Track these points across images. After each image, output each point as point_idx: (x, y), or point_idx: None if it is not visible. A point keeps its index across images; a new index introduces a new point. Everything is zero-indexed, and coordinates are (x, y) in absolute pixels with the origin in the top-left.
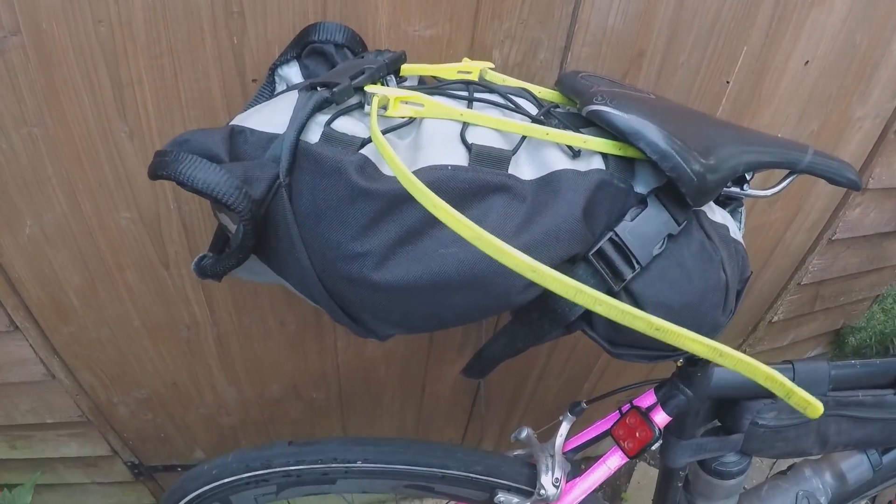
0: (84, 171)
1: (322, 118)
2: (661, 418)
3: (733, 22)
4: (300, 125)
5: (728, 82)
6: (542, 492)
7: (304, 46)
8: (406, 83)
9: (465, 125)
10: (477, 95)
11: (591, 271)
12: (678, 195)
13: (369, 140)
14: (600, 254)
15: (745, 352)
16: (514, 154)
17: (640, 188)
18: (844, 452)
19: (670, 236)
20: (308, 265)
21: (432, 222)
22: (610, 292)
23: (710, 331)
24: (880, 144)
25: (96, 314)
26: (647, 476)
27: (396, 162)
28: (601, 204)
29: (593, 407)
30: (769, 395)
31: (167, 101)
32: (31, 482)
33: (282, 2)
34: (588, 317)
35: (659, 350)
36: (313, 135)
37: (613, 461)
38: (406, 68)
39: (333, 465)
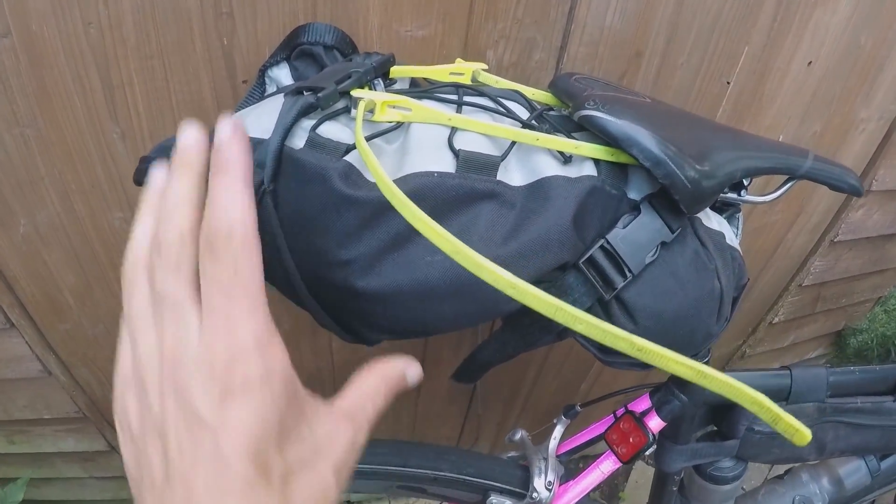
0: (77, 171)
1: (308, 123)
2: (655, 423)
3: (734, 21)
4: (284, 131)
5: (729, 83)
6: (535, 495)
7: (294, 48)
8: (396, 86)
9: (454, 130)
10: (467, 99)
11: (582, 279)
12: (673, 202)
13: (354, 145)
14: (591, 262)
15: (745, 353)
16: (502, 160)
17: (634, 194)
18: (842, 458)
19: (664, 244)
20: (294, 271)
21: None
22: (601, 301)
23: (704, 340)
24: (884, 146)
25: (91, 312)
26: (644, 475)
27: (378, 171)
28: (592, 211)
29: (588, 408)
30: None
31: (158, 102)
32: (24, 480)
33: (271, 3)
34: None
35: None
36: (298, 140)
37: (607, 466)
38: (397, 70)
39: None
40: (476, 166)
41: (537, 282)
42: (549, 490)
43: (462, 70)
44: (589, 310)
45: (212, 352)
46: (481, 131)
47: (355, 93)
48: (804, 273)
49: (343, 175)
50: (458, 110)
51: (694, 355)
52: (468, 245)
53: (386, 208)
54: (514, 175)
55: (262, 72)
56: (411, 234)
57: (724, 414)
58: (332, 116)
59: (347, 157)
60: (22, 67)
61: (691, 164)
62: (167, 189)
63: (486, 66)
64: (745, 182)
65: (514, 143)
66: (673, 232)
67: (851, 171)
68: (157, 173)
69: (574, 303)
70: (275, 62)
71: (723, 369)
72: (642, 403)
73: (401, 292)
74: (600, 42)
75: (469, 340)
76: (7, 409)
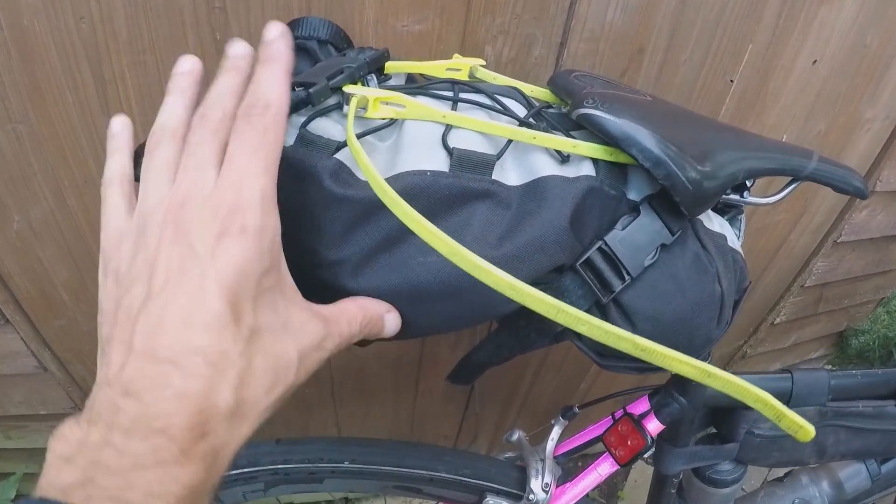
0: (69, 167)
1: (298, 119)
2: (654, 426)
3: (738, 18)
4: None
5: (732, 81)
6: (532, 496)
7: None
8: (391, 82)
9: (448, 128)
10: (462, 96)
11: (579, 281)
12: (673, 203)
13: (345, 143)
14: (588, 263)
15: (746, 353)
16: (498, 159)
17: (633, 195)
18: (843, 461)
19: (663, 246)
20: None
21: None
22: (598, 303)
23: (703, 344)
24: (889, 147)
25: (86, 308)
26: (644, 475)
27: (370, 169)
28: (590, 212)
29: (586, 409)
30: None
31: (151, 97)
32: (16, 477)
33: None
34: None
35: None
36: (289, 137)
37: (604, 468)
38: (392, 65)
39: (321, 465)
40: (470, 165)
41: (533, 284)
42: (546, 492)
43: (459, 66)
44: (586, 312)
45: (221, 196)
46: (477, 129)
47: (347, 89)
48: (806, 274)
49: (333, 173)
50: (454, 107)
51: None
52: (462, 245)
53: (377, 207)
54: (510, 174)
55: None
56: (403, 234)
57: (723, 417)
58: (324, 112)
59: (338, 155)
60: (13, 63)
61: (692, 164)
62: (215, 83)
63: (483, 63)
64: (748, 183)
65: (510, 141)
66: (673, 234)
67: (857, 173)
68: (187, 60)
69: (572, 305)
70: None
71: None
72: (641, 405)
73: (393, 293)
74: (601, 38)
75: (467, 339)
76: (3, 404)
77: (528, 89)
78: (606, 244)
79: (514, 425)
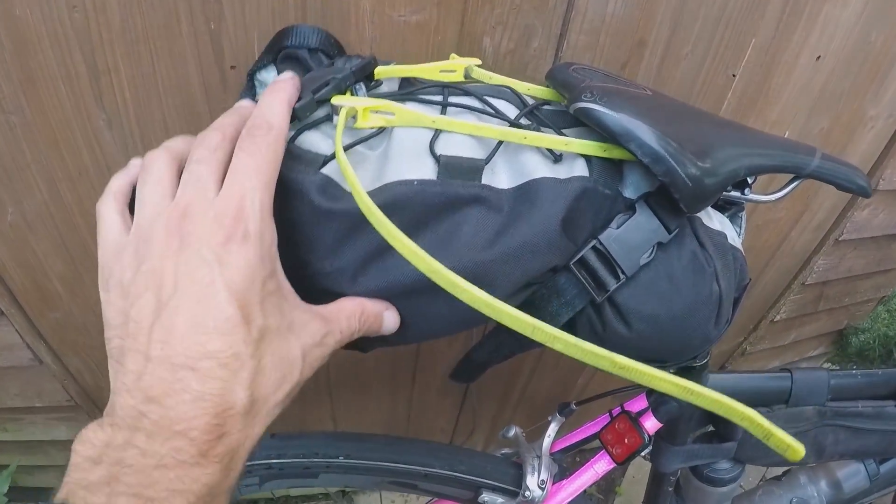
0: (63, 158)
1: (287, 134)
2: (651, 424)
3: (742, 12)
4: None
5: (734, 76)
6: (528, 493)
7: (280, 51)
8: (382, 88)
9: (437, 134)
10: (452, 99)
11: (574, 280)
12: (671, 200)
13: (333, 156)
14: (582, 262)
15: (745, 350)
16: (487, 162)
17: (629, 193)
18: (841, 461)
19: (660, 245)
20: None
21: None
22: (593, 303)
23: (701, 344)
24: (892, 145)
25: (81, 300)
26: (642, 471)
27: (357, 187)
28: (584, 213)
29: (584, 405)
30: (764, 403)
31: (145, 88)
32: (9, 472)
33: None
34: (572, 328)
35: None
36: None
37: (601, 466)
38: (382, 70)
39: (315, 460)
40: (458, 171)
41: (527, 285)
42: (542, 489)
43: (454, 67)
44: (582, 312)
45: (224, 205)
46: (466, 132)
47: (336, 100)
48: (807, 271)
49: (321, 189)
50: (443, 111)
51: (693, 358)
52: (453, 252)
53: (366, 218)
54: (501, 177)
55: (251, 75)
56: None
57: (721, 416)
58: (314, 125)
59: (325, 169)
60: (6, 53)
61: (692, 160)
62: (217, 120)
63: (479, 62)
64: (749, 180)
65: (500, 143)
66: (670, 232)
67: (860, 171)
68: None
69: (567, 304)
70: (262, 65)
71: (723, 367)
72: (639, 403)
73: (389, 293)
74: (601, 30)
75: (464, 334)
76: None
77: (525, 87)
78: (601, 243)
79: (512, 421)
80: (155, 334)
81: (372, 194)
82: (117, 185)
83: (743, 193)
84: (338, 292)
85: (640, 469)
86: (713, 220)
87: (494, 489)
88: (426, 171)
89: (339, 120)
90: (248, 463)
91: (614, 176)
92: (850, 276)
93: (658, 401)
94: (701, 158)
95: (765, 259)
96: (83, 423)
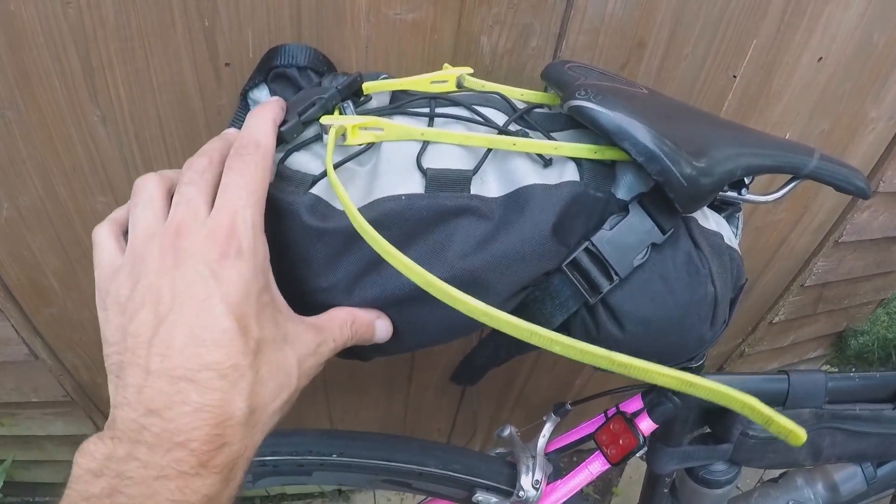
0: (58, 155)
1: (276, 156)
2: (646, 425)
3: (743, 13)
4: None
5: (735, 77)
6: (522, 493)
7: (270, 70)
8: (372, 103)
9: (425, 146)
10: (439, 110)
11: (567, 282)
12: (665, 200)
13: (322, 175)
14: (575, 264)
15: (744, 351)
16: (475, 172)
17: (622, 194)
18: (838, 463)
19: (654, 246)
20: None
21: None
22: (587, 305)
23: (696, 346)
24: (893, 147)
25: (77, 296)
26: (639, 471)
27: (349, 206)
28: (576, 217)
29: (580, 405)
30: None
31: (139, 85)
32: (4, 467)
33: None
34: (566, 330)
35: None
36: None
37: (595, 467)
38: (371, 86)
39: (309, 458)
40: (446, 183)
41: (522, 288)
42: (536, 489)
43: (445, 77)
44: (576, 314)
45: (217, 223)
46: (454, 142)
47: (324, 120)
48: (806, 273)
49: (311, 208)
50: (430, 123)
51: (689, 360)
52: (445, 262)
53: (357, 236)
54: (490, 186)
55: (244, 95)
56: None
57: (717, 417)
58: (304, 146)
59: (315, 189)
60: (1, 49)
61: (688, 160)
62: (202, 148)
63: (471, 71)
64: (747, 180)
65: (488, 151)
66: (664, 233)
67: (859, 173)
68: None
69: (561, 306)
70: (254, 84)
71: (721, 368)
72: (634, 404)
73: (383, 304)
74: (601, 30)
75: None
76: None
77: (518, 93)
78: (593, 244)
79: (509, 420)
80: (154, 348)
81: (363, 210)
82: (115, 214)
83: (740, 194)
84: (335, 304)
85: (637, 470)
86: (709, 220)
87: (489, 489)
88: (414, 185)
89: (329, 140)
90: None
91: (606, 178)
92: (850, 278)
93: (653, 402)
94: (697, 158)
95: (764, 261)
96: (79, 419)
